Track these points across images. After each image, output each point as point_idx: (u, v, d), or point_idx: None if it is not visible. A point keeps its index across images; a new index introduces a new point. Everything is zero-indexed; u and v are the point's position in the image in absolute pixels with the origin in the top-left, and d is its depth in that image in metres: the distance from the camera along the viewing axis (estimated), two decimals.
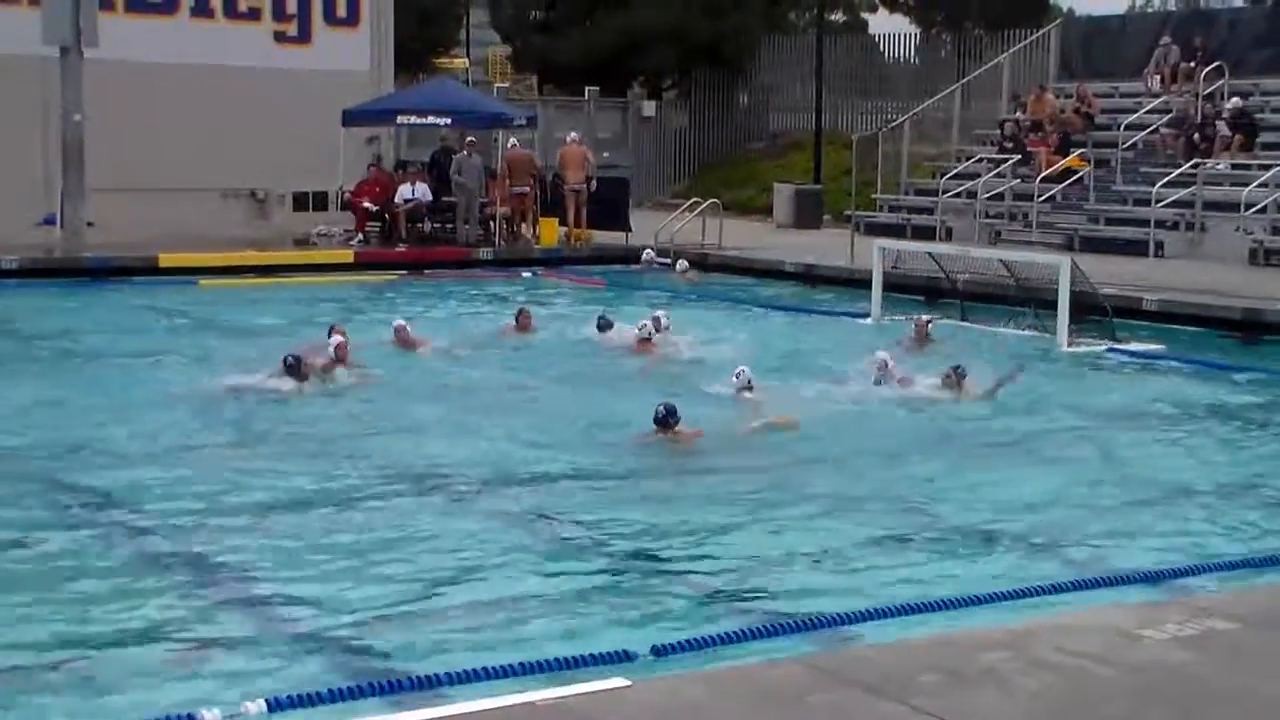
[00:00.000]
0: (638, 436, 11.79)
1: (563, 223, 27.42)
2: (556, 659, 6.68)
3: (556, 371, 15.14)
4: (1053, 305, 17.35)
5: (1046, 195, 26.65)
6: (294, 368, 13.57)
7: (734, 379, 13.23)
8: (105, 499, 9.98)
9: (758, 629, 7.29)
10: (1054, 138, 27.86)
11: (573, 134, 29.36)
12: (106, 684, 6.79)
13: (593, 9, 40.99)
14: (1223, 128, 25.97)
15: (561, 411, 13.16)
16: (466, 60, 51.78)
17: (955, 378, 13.60)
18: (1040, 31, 33.09)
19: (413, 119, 27.56)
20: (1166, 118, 27.42)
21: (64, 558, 8.67)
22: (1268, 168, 24.46)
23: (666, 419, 11.55)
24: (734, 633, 7.22)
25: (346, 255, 25.13)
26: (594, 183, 27.69)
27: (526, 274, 24.82)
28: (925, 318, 17.36)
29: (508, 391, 14.05)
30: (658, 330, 16.46)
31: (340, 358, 14.22)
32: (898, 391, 13.97)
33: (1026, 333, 17.89)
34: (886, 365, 13.98)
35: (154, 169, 25.23)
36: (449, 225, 26.99)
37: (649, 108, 39.87)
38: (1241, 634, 6.24)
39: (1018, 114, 29.49)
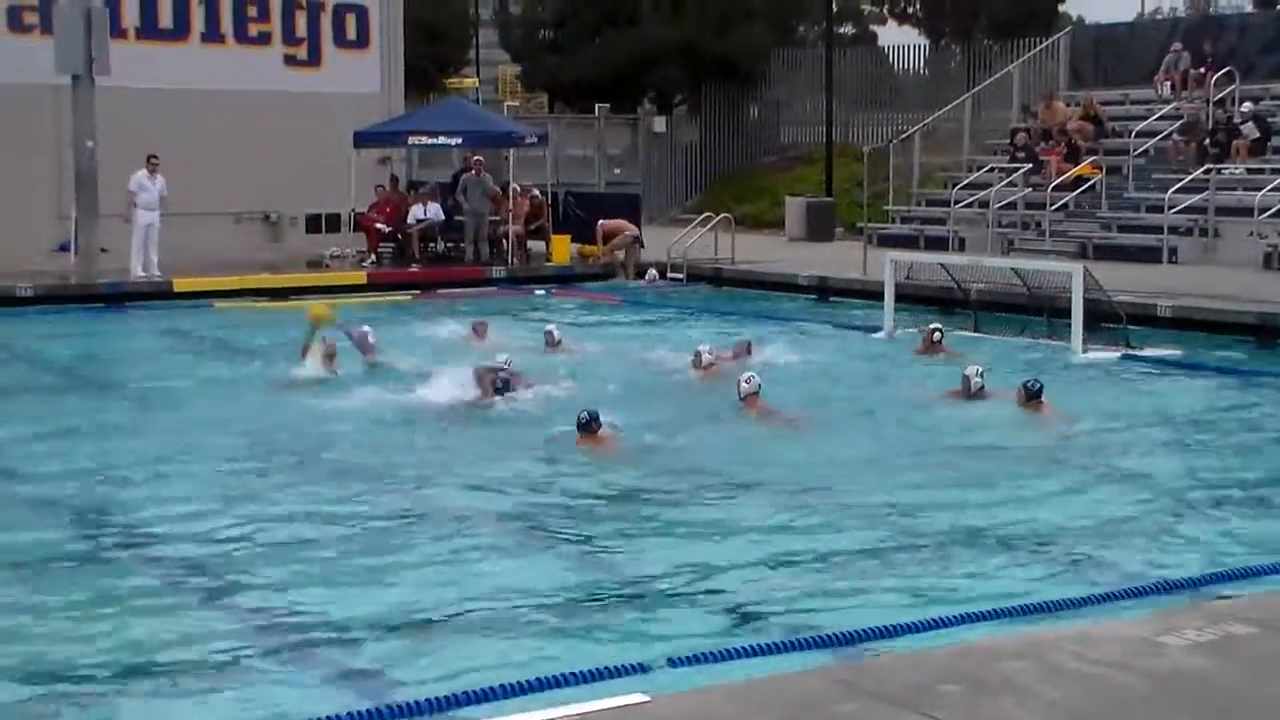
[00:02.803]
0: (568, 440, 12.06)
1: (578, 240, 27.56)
2: (574, 673, 6.68)
3: (554, 384, 15.02)
4: (1067, 313, 17.33)
5: (1059, 204, 26.62)
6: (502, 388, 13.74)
7: (743, 384, 13.23)
8: (123, 522, 9.99)
9: (776, 642, 7.28)
10: (1063, 146, 27.84)
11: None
12: (124, 707, 6.81)
13: (602, 26, 41.10)
14: (1251, 130, 25.90)
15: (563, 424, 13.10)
16: (476, 79, 51.95)
17: (1025, 393, 13.50)
18: (1049, 40, 33.09)
19: (424, 139, 27.65)
20: (1178, 124, 27.39)
21: (82, 581, 8.68)
22: None
23: (589, 424, 11.89)
24: (752, 646, 7.20)
25: (359, 276, 25.19)
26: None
27: (539, 292, 24.86)
28: (934, 326, 17.39)
29: (507, 407, 13.95)
30: (555, 344, 17.13)
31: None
32: (926, 397, 14.05)
33: (1041, 341, 17.88)
34: (970, 380, 13.92)
35: (167, 194, 25.29)
36: (462, 245, 27.03)
37: (659, 123, 39.93)
38: (1262, 639, 6.21)
39: (1028, 123, 29.47)
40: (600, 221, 27.19)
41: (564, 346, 17.29)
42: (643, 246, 27.37)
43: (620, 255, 26.86)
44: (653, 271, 26.14)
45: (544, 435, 12.53)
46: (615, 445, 12.09)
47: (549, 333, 17.52)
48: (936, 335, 17.07)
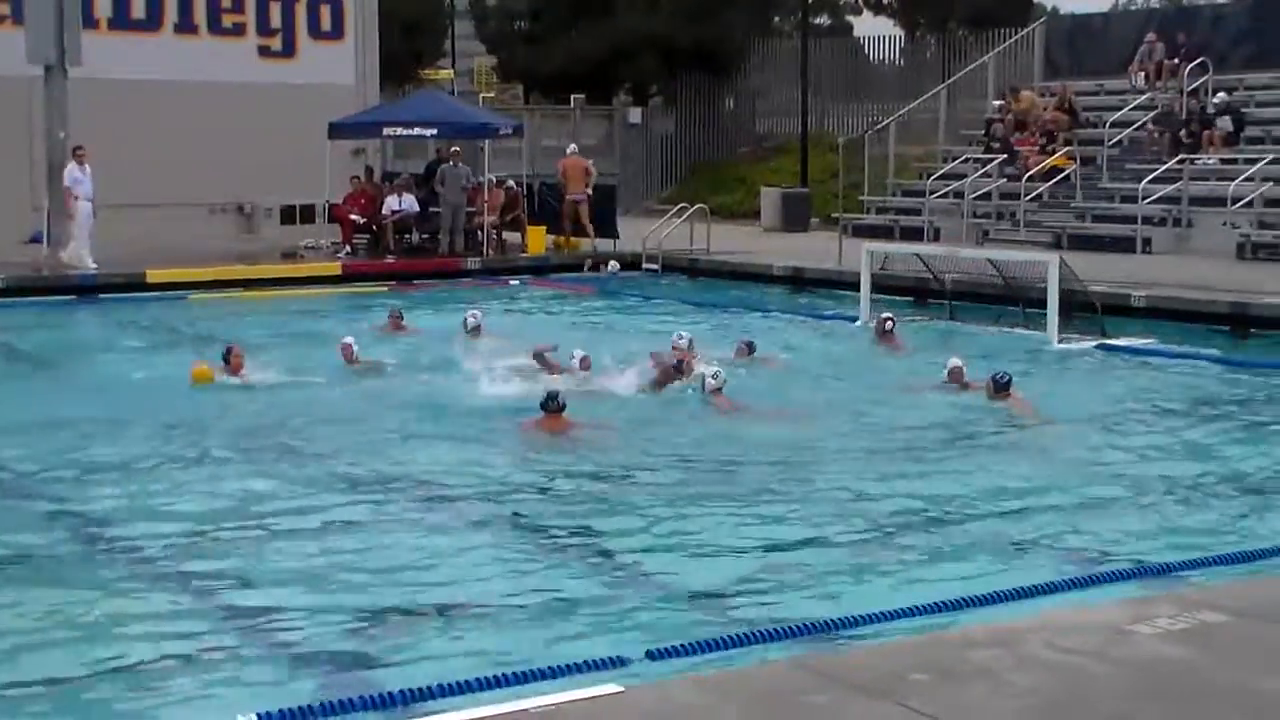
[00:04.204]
0: (526, 423, 12.15)
1: (553, 231, 27.63)
2: (550, 667, 6.66)
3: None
4: (1042, 303, 17.37)
5: (1033, 194, 26.68)
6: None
7: (709, 379, 13.22)
8: (93, 515, 9.95)
9: (751, 632, 7.28)
10: (1038, 136, 27.92)
11: (572, 145, 29.39)
12: (95, 701, 6.77)
13: (577, 18, 41.04)
14: (1226, 123, 25.98)
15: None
16: (452, 71, 51.82)
17: (994, 384, 13.44)
18: (1024, 30, 33.15)
19: (399, 130, 27.57)
20: (1152, 114, 27.47)
21: (51, 574, 8.63)
22: (1253, 162, 24.55)
23: (547, 403, 12.04)
24: (728, 636, 7.20)
25: (334, 268, 25.12)
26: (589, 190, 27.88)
27: (514, 282, 24.83)
28: (885, 316, 17.40)
29: (476, 398, 13.92)
30: (473, 330, 17.19)
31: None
32: (904, 390, 14.10)
33: (1017, 331, 17.91)
34: (963, 370, 13.85)
35: (140, 185, 25.18)
36: (438, 236, 26.97)
37: (635, 114, 39.91)
38: (1233, 626, 6.23)
39: (1001, 105, 29.51)
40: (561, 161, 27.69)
41: (484, 333, 17.28)
42: (618, 238, 27.36)
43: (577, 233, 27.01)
44: (614, 264, 26.15)
45: (506, 420, 12.53)
46: (579, 430, 12.11)
47: (469, 319, 17.52)
48: (888, 325, 17.09)
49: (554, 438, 12.00)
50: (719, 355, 15.38)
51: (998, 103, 30.11)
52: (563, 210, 27.51)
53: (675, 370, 13.83)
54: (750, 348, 15.65)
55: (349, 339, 15.69)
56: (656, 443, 12.11)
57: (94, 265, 23.23)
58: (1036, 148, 27.71)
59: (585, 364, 14.42)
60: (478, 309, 18.16)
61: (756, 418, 13.00)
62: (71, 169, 23.32)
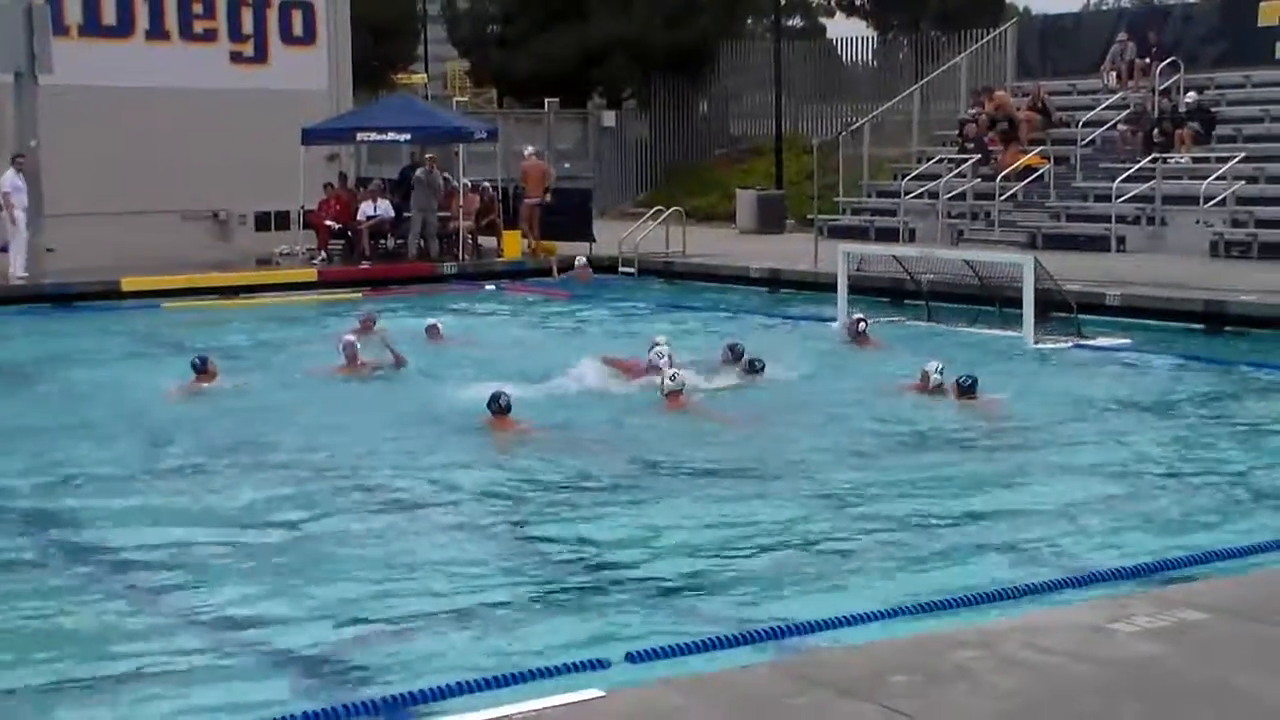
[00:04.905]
0: (480, 418, 12.28)
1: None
2: (530, 670, 6.67)
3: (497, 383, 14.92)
4: (1018, 303, 17.41)
5: (1008, 194, 26.76)
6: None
7: (667, 381, 13.17)
8: (72, 525, 9.90)
9: (733, 635, 7.28)
10: (1005, 127, 28.04)
11: (530, 148, 29.45)
12: (76, 713, 6.73)
13: (550, 21, 41.03)
14: (1194, 125, 26.12)
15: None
16: (425, 75, 51.77)
17: (958, 388, 13.48)
18: (996, 31, 33.24)
19: (373, 136, 27.53)
20: (1124, 114, 27.58)
21: (29, 584, 8.59)
22: (1225, 160, 24.67)
23: (491, 403, 12.15)
24: (709, 639, 7.20)
25: (310, 274, 25.04)
26: (548, 195, 27.81)
27: (489, 287, 24.81)
28: (858, 316, 17.42)
29: (457, 404, 13.90)
30: (436, 336, 17.37)
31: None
32: (881, 391, 14.11)
33: (993, 332, 17.95)
34: (930, 375, 13.82)
35: (113, 193, 25.05)
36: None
37: (609, 118, 39.92)
38: (1211, 624, 6.26)
39: (976, 113, 29.58)
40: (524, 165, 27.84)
41: (448, 340, 17.41)
42: (594, 241, 27.33)
43: (532, 241, 26.97)
44: (581, 258, 25.95)
45: (474, 422, 12.53)
46: (527, 431, 12.08)
47: (433, 327, 17.66)
48: (861, 326, 17.11)
49: (501, 438, 11.97)
50: (701, 360, 15.37)
51: (974, 111, 30.13)
52: (523, 215, 27.41)
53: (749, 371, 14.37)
54: (732, 351, 15.56)
55: (350, 337, 15.65)
56: (626, 445, 12.08)
57: (24, 274, 22.98)
58: (1000, 146, 27.81)
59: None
60: (435, 318, 18.22)
61: (719, 421, 12.97)
62: (10, 177, 23.12)
